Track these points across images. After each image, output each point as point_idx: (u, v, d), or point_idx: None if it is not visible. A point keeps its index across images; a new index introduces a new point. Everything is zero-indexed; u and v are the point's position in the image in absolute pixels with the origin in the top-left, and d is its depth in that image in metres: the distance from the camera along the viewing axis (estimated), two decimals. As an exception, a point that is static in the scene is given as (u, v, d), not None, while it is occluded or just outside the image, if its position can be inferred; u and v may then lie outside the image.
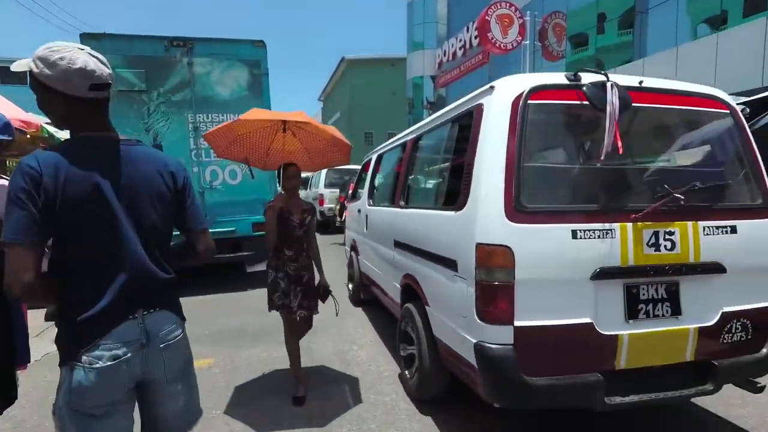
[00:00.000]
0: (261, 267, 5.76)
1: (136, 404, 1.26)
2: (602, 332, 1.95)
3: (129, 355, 1.14)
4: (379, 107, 32.47)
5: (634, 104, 2.06)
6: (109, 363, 1.11)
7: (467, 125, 2.29)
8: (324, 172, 12.19)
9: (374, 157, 4.94)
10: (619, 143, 1.89)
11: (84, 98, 1.15)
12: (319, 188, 12.37)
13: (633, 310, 2.00)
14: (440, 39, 24.98)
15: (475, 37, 16.27)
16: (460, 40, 18.26)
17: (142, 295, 1.18)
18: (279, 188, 2.95)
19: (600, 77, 2.02)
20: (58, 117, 1.18)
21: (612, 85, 1.96)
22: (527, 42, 14.82)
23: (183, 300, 1.37)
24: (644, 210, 1.97)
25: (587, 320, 1.94)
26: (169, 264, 1.28)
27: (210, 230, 1.42)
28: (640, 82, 2.14)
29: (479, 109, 2.17)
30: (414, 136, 3.42)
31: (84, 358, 1.09)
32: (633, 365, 2.00)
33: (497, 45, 14.71)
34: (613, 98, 1.93)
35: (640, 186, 2.14)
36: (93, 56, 1.16)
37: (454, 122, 2.62)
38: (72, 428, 1.11)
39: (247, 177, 5.51)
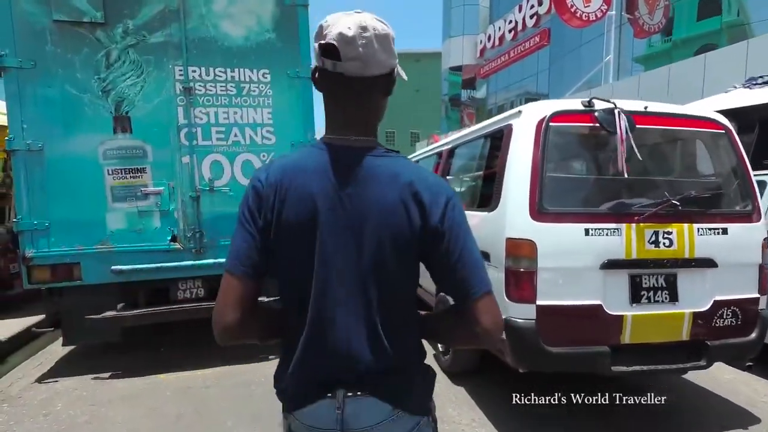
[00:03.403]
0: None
1: None
2: (609, 312, 2.38)
3: None
4: (401, 105, 30.25)
5: (639, 125, 2.49)
6: None
7: (498, 141, 2.76)
8: None
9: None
10: (625, 164, 2.33)
11: (321, 71, 0.84)
12: None
13: (636, 295, 2.43)
14: (482, 23, 22.87)
15: (531, 17, 14.09)
16: (510, 21, 15.74)
17: (342, 375, 0.86)
18: None
19: (609, 104, 2.47)
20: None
21: (619, 111, 2.40)
22: (613, 12, 12.07)
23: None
24: (645, 213, 2.41)
25: (597, 302, 2.38)
26: (411, 336, 0.93)
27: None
28: (645, 107, 2.57)
29: (509, 129, 2.64)
30: (450, 146, 3.92)
31: (292, 417, 0.91)
32: (636, 341, 2.42)
33: (578, 15, 11.93)
34: (620, 123, 2.37)
35: (644, 193, 2.56)
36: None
37: (486, 138, 3.11)
38: None
39: None
